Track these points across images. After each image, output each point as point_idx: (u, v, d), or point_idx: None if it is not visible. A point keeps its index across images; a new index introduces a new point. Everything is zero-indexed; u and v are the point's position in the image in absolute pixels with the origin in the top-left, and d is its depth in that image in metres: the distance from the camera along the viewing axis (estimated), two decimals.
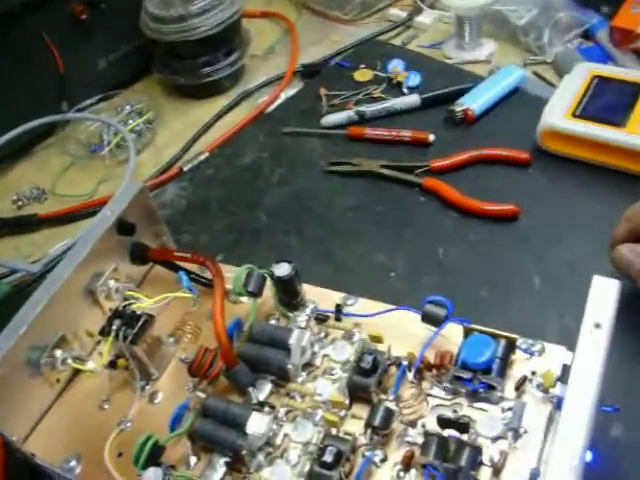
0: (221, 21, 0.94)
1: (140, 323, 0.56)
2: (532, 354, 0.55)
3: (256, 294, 0.58)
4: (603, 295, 0.49)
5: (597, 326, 0.47)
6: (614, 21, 0.90)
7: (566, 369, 0.53)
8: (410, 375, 0.53)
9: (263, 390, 0.56)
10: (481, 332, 0.54)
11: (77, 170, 0.94)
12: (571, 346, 0.56)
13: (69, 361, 0.58)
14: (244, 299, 0.62)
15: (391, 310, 0.58)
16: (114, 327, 0.56)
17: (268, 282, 0.60)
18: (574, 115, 0.77)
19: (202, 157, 0.89)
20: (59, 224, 0.87)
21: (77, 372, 0.60)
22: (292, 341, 0.55)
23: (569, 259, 0.68)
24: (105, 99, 1.01)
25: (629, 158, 0.74)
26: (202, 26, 0.93)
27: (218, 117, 0.97)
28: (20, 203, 0.91)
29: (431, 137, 0.83)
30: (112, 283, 0.62)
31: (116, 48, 1.01)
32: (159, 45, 0.97)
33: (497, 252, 0.71)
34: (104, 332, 0.56)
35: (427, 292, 0.66)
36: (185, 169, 0.88)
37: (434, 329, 0.55)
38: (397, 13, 1.09)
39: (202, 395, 0.54)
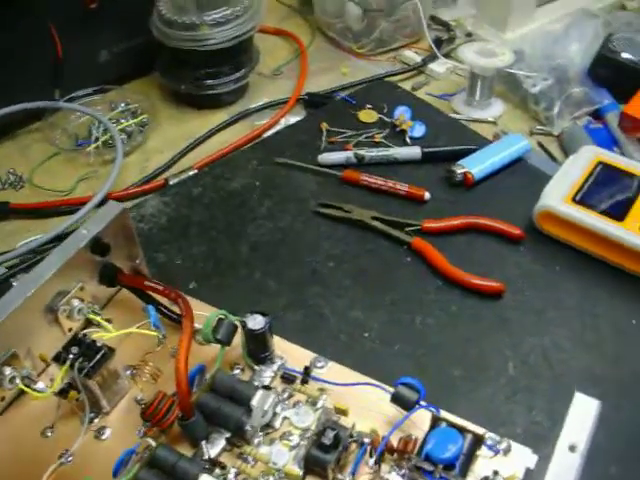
0: (234, 36, 0.91)
1: (98, 356, 0.53)
2: (497, 452, 0.54)
3: (225, 343, 0.56)
4: (582, 415, 0.47)
5: (572, 449, 0.45)
6: (626, 108, 0.89)
7: (529, 473, 0.52)
8: (371, 460, 0.51)
9: (216, 445, 0.53)
10: (449, 424, 0.52)
11: (59, 162, 0.91)
12: (536, 446, 0.55)
13: (17, 381, 0.55)
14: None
15: (361, 384, 0.56)
16: (70, 355, 0.53)
17: (239, 330, 0.57)
18: (574, 200, 0.75)
19: (190, 173, 0.86)
20: (30, 217, 0.83)
21: (23, 392, 0.57)
22: (255, 402, 0.53)
23: (546, 350, 0.67)
24: (100, 92, 0.97)
25: (623, 254, 0.72)
26: (213, 38, 0.90)
27: (213, 132, 0.94)
28: None
29: (427, 195, 0.81)
30: (76, 302, 0.59)
31: (120, 42, 0.98)
32: (165, 48, 0.94)
33: (475, 329, 0.69)
34: (59, 359, 0.53)
35: (399, 360, 0.65)
36: (171, 182, 0.85)
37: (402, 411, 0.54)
38: (411, 56, 1.07)
39: (152, 443, 0.51)
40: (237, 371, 0.59)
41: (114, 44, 0.97)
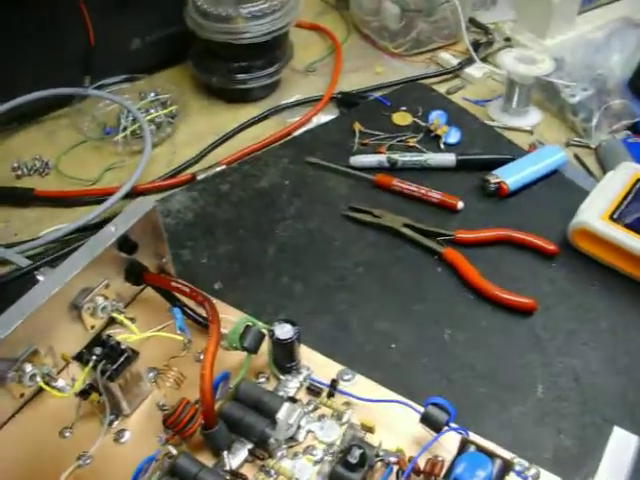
0: (270, 31, 0.90)
1: (122, 359, 0.52)
2: (526, 479, 0.52)
3: (252, 351, 0.55)
4: (621, 451, 0.46)
5: None
6: None
7: None
8: None
9: (238, 455, 0.52)
10: (478, 447, 0.50)
11: (86, 149, 0.90)
12: (565, 473, 0.54)
13: (38, 378, 0.54)
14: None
15: (389, 401, 0.55)
16: (94, 357, 0.52)
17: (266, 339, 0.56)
18: (611, 218, 0.73)
19: (219, 169, 0.85)
20: (54, 205, 0.82)
21: (42, 389, 0.56)
22: (281, 416, 0.51)
23: (577, 371, 0.65)
24: (131, 80, 0.96)
25: None
26: (249, 32, 0.89)
27: (244, 127, 0.93)
28: (19, 172, 0.86)
29: (460, 204, 0.80)
30: (100, 300, 0.58)
31: (153, 31, 0.97)
32: (198, 39, 0.92)
33: (505, 346, 0.67)
34: (82, 359, 0.52)
35: (426, 375, 0.64)
36: (199, 177, 0.84)
37: (430, 431, 0.52)
38: (448, 58, 1.05)
39: (173, 451, 0.50)
40: (262, 380, 0.58)
41: (147, 32, 0.96)
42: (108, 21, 0.91)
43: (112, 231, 0.57)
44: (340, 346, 0.65)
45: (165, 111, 0.92)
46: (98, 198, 0.81)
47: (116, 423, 0.55)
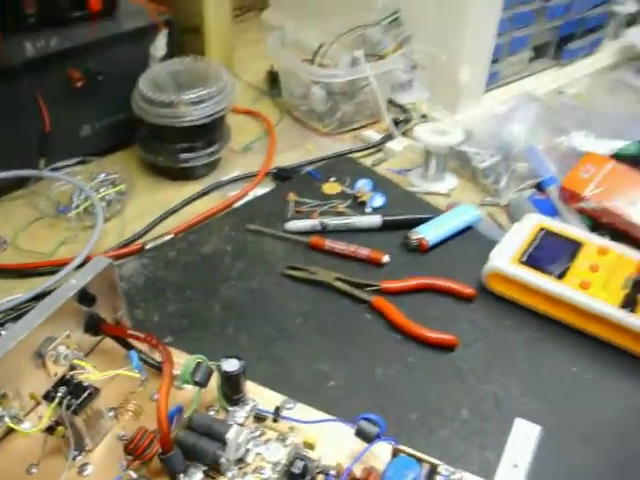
0: (209, 114, 0.99)
1: (85, 394, 0.58)
2: None
3: (202, 384, 0.61)
4: (523, 438, 0.53)
5: (515, 466, 0.51)
6: (564, 181, 0.99)
7: None
8: None
9: (193, 478, 0.57)
10: (408, 455, 0.57)
11: (42, 226, 0.96)
12: (488, 479, 0.61)
13: (6, 419, 0.59)
14: (188, 386, 0.64)
15: (327, 420, 0.61)
16: (59, 394, 0.57)
17: (215, 374, 0.62)
18: (519, 261, 0.83)
19: (166, 238, 0.92)
20: (11, 277, 0.88)
21: (10, 431, 0.61)
22: (230, 435, 0.57)
23: (497, 396, 0.72)
24: (82, 163, 1.04)
25: (564, 309, 0.79)
26: (190, 116, 0.98)
27: (188, 202, 1.01)
28: None
29: (385, 258, 0.88)
30: (62, 349, 0.63)
31: (103, 118, 1.05)
32: (144, 123, 1.01)
33: (432, 378, 0.74)
34: (48, 397, 0.57)
35: (362, 405, 0.70)
36: (147, 247, 0.91)
37: (365, 444, 0.59)
38: (371, 135, 1.16)
39: (133, 475, 0.55)
40: (212, 412, 0.64)
41: (97, 119, 1.05)
42: (61, 109, 0.99)
43: (73, 284, 0.63)
44: (283, 386, 0.71)
45: (114, 189, 1.00)
46: (54, 269, 0.87)
47: (79, 458, 0.60)
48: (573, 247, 0.86)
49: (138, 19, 1.05)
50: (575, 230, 0.89)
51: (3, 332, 0.64)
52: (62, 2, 0.98)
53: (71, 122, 1.02)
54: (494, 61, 1.20)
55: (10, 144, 0.96)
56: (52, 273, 0.85)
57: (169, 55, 1.06)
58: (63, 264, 0.86)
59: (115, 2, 1.04)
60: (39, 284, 0.83)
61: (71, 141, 1.03)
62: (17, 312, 0.80)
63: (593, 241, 0.86)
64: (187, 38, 1.21)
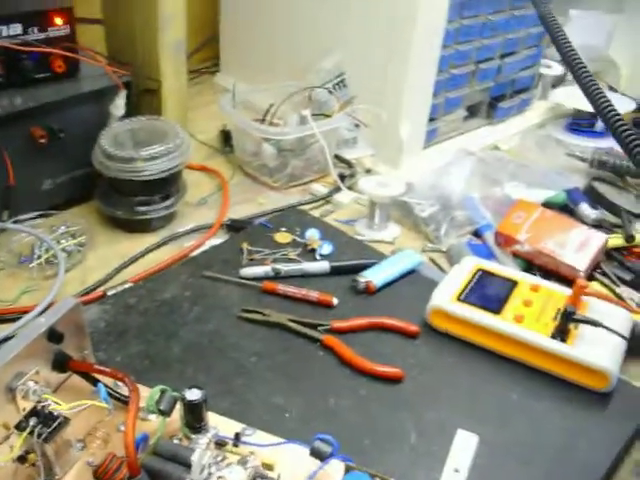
0: (165, 169, 1.05)
1: (56, 423, 0.61)
2: None
3: (166, 413, 0.65)
4: (464, 445, 0.58)
5: (456, 471, 0.56)
6: (499, 227, 1.07)
7: None
8: None
9: None
10: (360, 470, 0.62)
11: (3, 276, 0.99)
12: None
13: None
14: (152, 417, 0.68)
15: (284, 443, 0.66)
16: (31, 423, 0.61)
17: (177, 405, 0.66)
18: (459, 299, 0.90)
19: (126, 286, 0.96)
20: None
21: None
22: (194, 458, 0.61)
23: (442, 421, 0.78)
24: (44, 216, 1.08)
25: (500, 341, 0.86)
26: (147, 170, 1.04)
27: (146, 252, 1.06)
28: None
29: (335, 300, 0.94)
30: (31, 384, 0.66)
31: (64, 172, 1.10)
32: (103, 178, 1.06)
33: (382, 408, 0.80)
34: (20, 427, 0.61)
35: (316, 433, 0.74)
36: (109, 293, 0.95)
37: (320, 463, 0.63)
38: (319, 189, 1.24)
39: None
40: (176, 441, 0.67)
41: (58, 174, 1.10)
42: (25, 164, 1.03)
43: (42, 322, 0.67)
44: (242, 418, 0.74)
45: (75, 241, 1.04)
46: (16, 316, 0.90)
47: None
48: (508, 285, 0.93)
49: (99, 80, 1.11)
50: (510, 270, 0.97)
51: None
52: (27, 64, 1.04)
53: (34, 176, 1.07)
54: (431, 119, 1.30)
55: None
56: (14, 320, 0.89)
57: (128, 114, 1.12)
58: (26, 312, 0.90)
59: (77, 65, 1.10)
60: (3, 329, 0.86)
61: (33, 194, 1.08)
62: None
63: (526, 279, 0.94)
64: (145, 99, 1.27)
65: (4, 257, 1.01)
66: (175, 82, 1.28)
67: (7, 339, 0.85)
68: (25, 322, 0.87)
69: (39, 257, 1.00)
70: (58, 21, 1.04)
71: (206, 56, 1.68)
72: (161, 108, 1.28)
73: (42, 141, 1.02)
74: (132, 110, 1.14)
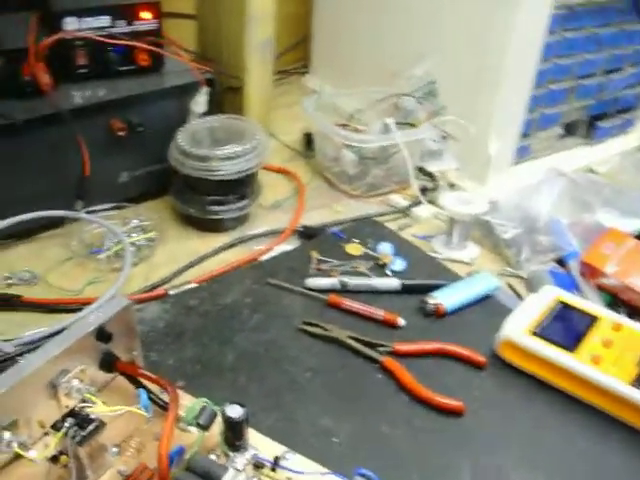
0: (241, 170, 1.03)
1: (91, 427, 0.60)
2: None
3: (205, 427, 0.63)
4: None
5: None
6: (585, 256, 1.00)
7: None
8: None
9: None
10: None
11: (72, 265, 1.00)
12: None
13: (14, 445, 0.61)
14: (192, 429, 0.66)
15: (324, 474, 0.62)
16: (66, 424, 0.59)
17: (218, 419, 0.64)
18: (532, 332, 0.84)
19: (189, 286, 0.95)
20: (39, 311, 0.91)
21: (17, 457, 0.62)
22: (226, 479, 0.58)
23: (499, 466, 0.72)
24: (117, 208, 1.08)
25: (573, 382, 0.80)
26: (222, 170, 1.02)
27: (214, 253, 1.04)
28: (10, 281, 0.96)
29: (401, 321, 0.90)
30: (75, 382, 0.65)
31: (141, 166, 1.10)
32: (179, 175, 1.05)
33: (437, 442, 0.75)
34: (56, 427, 0.60)
35: (363, 462, 0.71)
36: (171, 293, 0.94)
37: None
38: (398, 200, 1.19)
39: None
40: (213, 456, 0.65)
41: (134, 168, 1.10)
42: (102, 155, 1.04)
43: (91, 320, 0.66)
44: (286, 437, 0.71)
45: (145, 236, 1.04)
46: (79, 307, 0.90)
47: None
48: (588, 321, 0.86)
49: (182, 76, 1.10)
50: (592, 305, 0.90)
51: (22, 361, 0.66)
52: (112, 56, 1.04)
53: (110, 168, 1.07)
54: (524, 136, 1.23)
55: (51, 184, 1.01)
56: (77, 311, 0.89)
57: (209, 111, 1.11)
58: (88, 303, 0.90)
59: (162, 59, 1.10)
60: (63, 320, 0.86)
61: (108, 186, 1.08)
62: (37, 346, 0.83)
63: (609, 316, 0.87)
64: (227, 96, 1.26)
65: (75, 247, 1.02)
66: (259, 81, 1.26)
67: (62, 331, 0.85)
68: (86, 314, 0.87)
69: (109, 249, 1.00)
70: (146, 15, 1.04)
71: (298, 57, 1.65)
72: (243, 107, 1.27)
73: (121, 134, 1.03)
74: (214, 107, 1.13)
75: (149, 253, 1.03)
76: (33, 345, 0.82)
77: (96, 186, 1.05)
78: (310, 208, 1.17)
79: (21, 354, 0.76)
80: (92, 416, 0.61)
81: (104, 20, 1.02)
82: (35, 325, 0.88)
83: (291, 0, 1.56)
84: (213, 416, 0.63)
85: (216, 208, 1.07)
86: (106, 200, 1.07)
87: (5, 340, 0.84)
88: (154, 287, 0.96)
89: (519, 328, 0.84)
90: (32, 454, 0.61)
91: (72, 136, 0.99)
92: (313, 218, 1.14)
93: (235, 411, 0.63)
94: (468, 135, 1.17)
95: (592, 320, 0.86)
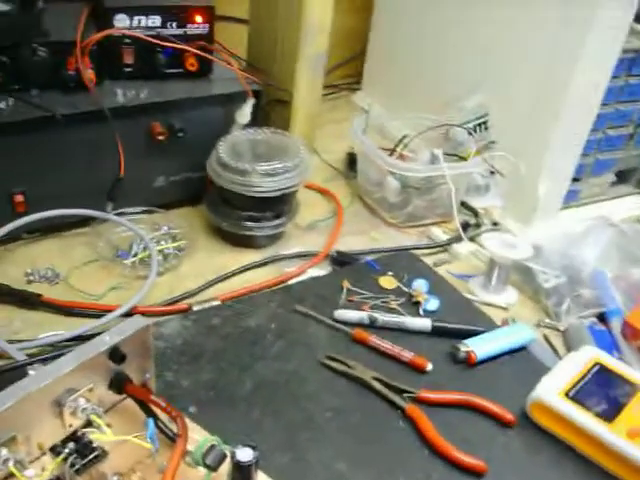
0: (279, 188, 1.00)
1: (91, 456, 0.57)
2: None
3: (213, 469, 0.59)
4: None
5: None
6: (629, 316, 0.94)
7: None
8: None
9: None
10: None
11: (96, 268, 0.97)
12: None
13: (10, 464, 0.58)
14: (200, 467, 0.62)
15: None
16: (67, 450, 0.56)
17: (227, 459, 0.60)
18: (567, 395, 0.79)
19: (214, 303, 0.92)
20: (57, 312, 0.89)
21: (10, 475, 0.59)
22: None
23: None
24: (148, 213, 1.05)
25: (606, 455, 0.75)
26: (260, 187, 0.99)
27: (243, 270, 1.01)
28: (31, 278, 0.94)
29: (429, 366, 0.85)
30: (82, 402, 0.62)
31: (178, 173, 1.08)
32: (215, 186, 1.02)
33: None
34: (55, 451, 0.56)
35: None
36: (194, 309, 0.90)
37: None
38: (438, 234, 1.15)
39: None
40: None
41: (171, 173, 1.07)
42: (138, 158, 1.01)
43: (106, 340, 0.63)
44: None
45: (174, 244, 1.01)
46: (99, 313, 0.88)
47: None
48: (628, 389, 0.81)
49: (229, 85, 1.07)
50: (634, 372, 0.85)
51: (32, 372, 0.64)
52: (160, 58, 1.02)
53: (146, 172, 1.05)
54: (575, 180, 1.18)
55: (83, 182, 0.99)
56: (96, 317, 0.86)
57: (253, 123, 1.07)
58: (109, 310, 0.87)
59: (210, 65, 1.07)
60: (81, 325, 0.84)
61: (142, 190, 1.05)
62: (53, 349, 0.81)
63: None
64: (274, 109, 1.23)
65: (101, 248, 0.99)
66: (308, 96, 1.23)
67: (82, 337, 0.82)
68: (104, 323, 0.84)
69: (135, 255, 0.97)
70: (198, 19, 1.02)
71: (349, 72, 1.61)
72: (289, 122, 1.23)
73: (160, 138, 1.00)
74: (260, 119, 1.10)
75: (176, 263, 1.00)
76: (45, 351, 0.79)
77: (129, 188, 1.02)
78: (346, 232, 1.13)
79: (31, 363, 0.73)
80: (94, 444, 0.57)
81: (155, 20, 1.00)
82: (51, 327, 0.85)
83: (350, 14, 1.52)
84: (222, 457, 0.59)
85: (251, 224, 1.04)
86: (138, 203, 1.05)
87: (19, 340, 0.82)
88: (177, 300, 0.93)
89: (553, 389, 0.79)
90: (28, 474, 0.58)
91: (111, 135, 0.97)
92: (348, 243, 1.10)
93: (246, 454, 0.60)
94: (517, 173, 1.12)
95: (633, 389, 0.81)
